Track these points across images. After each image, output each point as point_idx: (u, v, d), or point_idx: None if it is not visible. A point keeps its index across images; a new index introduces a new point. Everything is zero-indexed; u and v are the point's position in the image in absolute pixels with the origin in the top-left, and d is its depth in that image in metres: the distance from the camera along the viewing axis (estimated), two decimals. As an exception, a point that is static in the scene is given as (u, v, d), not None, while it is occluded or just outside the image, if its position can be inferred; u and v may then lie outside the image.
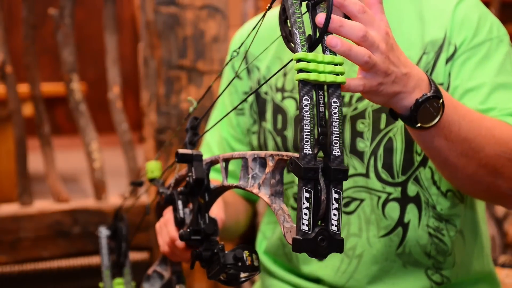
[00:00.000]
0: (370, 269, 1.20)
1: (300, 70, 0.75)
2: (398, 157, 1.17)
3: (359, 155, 1.19)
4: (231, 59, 0.99)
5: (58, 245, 2.19)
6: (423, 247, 1.19)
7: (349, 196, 1.21)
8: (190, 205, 1.06)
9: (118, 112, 2.31)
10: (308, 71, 0.75)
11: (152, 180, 1.19)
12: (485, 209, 1.30)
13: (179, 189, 1.06)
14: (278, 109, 1.27)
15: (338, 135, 0.76)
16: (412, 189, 1.19)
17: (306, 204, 0.73)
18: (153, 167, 1.19)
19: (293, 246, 0.74)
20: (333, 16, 0.77)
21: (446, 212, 1.20)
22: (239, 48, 0.98)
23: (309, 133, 0.74)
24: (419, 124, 0.94)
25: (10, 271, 2.32)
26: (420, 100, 0.92)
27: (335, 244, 0.74)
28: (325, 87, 0.77)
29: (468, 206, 1.23)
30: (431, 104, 0.93)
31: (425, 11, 1.18)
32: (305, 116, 0.74)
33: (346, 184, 1.20)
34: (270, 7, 0.86)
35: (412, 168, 1.18)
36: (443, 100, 0.94)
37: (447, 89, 1.15)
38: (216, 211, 1.12)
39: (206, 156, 1.39)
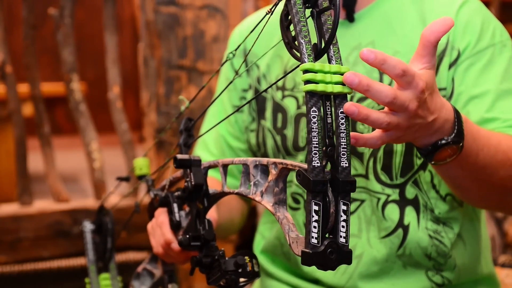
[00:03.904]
0: (370, 270, 1.20)
1: (307, 81, 0.74)
2: (397, 160, 1.17)
3: (359, 156, 1.18)
4: (226, 60, 0.98)
5: (58, 245, 2.19)
6: (424, 249, 1.19)
7: None
8: (186, 208, 1.06)
9: (118, 112, 2.31)
10: (315, 82, 0.74)
11: (140, 177, 1.18)
12: (484, 211, 1.30)
13: (176, 193, 1.05)
14: (278, 108, 1.26)
15: (345, 146, 0.75)
16: (410, 192, 1.18)
17: (315, 217, 0.73)
18: (141, 164, 1.18)
19: (302, 259, 0.74)
20: (361, 78, 0.76)
21: (444, 216, 1.20)
22: (235, 50, 0.98)
23: (317, 145, 0.73)
24: (433, 162, 0.95)
25: (10, 271, 2.32)
26: (438, 144, 0.92)
27: (344, 256, 0.74)
28: (332, 97, 0.76)
29: (467, 209, 1.22)
30: (450, 147, 0.93)
31: (427, 13, 1.17)
32: (313, 128, 0.73)
33: None
34: (272, 13, 0.85)
35: (412, 171, 1.17)
36: (462, 144, 0.94)
37: (451, 94, 1.14)
38: (209, 211, 1.12)
39: (201, 152, 1.39)
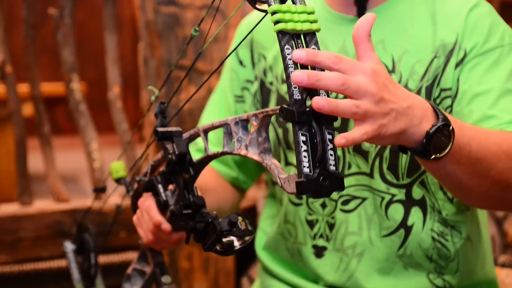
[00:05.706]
0: (371, 268, 1.20)
1: (276, 22, 0.77)
2: (404, 159, 1.16)
3: (363, 154, 1.18)
4: (191, 38, 0.97)
5: (58, 245, 2.18)
6: (425, 251, 1.19)
7: (349, 194, 1.20)
8: (171, 187, 1.06)
9: (118, 112, 2.31)
10: (285, 21, 0.77)
11: (118, 180, 1.18)
12: (486, 212, 1.30)
13: (160, 170, 1.05)
14: (282, 101, 1.26)
15: None
16: (417, 192, 1.18)
17: (304, 147, 0.76)
18: (117, 167, 1.19)
19: (297, 189, 0.76)
20: (309, 72, 0.76)
21: (452, 218, 1.20)
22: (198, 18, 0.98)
23: None
24: (433, 156, 0.91)
25: (10, 271, 2.31)
26: (431, 132, 0.88)
27: (337, 182, 0.77)
28: (302, 36, 0.79)
29: (473, 213, 1.22)
30: (442, 133, 0.89)
31: (438, 13, 1.17)
32: (289, 64, 0.77)
33: (347, 182, 1.20)
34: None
35: (419, 171, 1.17)
36: (453, 127, 0.91)
37: (456, 93, 1.14)
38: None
39: (199, 141, 1.39)
